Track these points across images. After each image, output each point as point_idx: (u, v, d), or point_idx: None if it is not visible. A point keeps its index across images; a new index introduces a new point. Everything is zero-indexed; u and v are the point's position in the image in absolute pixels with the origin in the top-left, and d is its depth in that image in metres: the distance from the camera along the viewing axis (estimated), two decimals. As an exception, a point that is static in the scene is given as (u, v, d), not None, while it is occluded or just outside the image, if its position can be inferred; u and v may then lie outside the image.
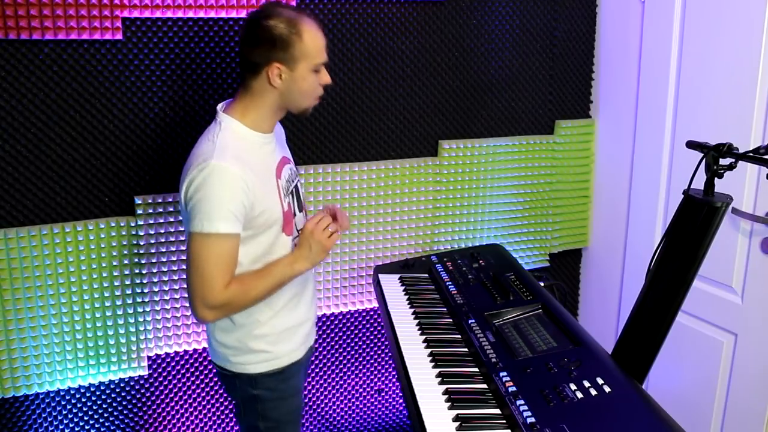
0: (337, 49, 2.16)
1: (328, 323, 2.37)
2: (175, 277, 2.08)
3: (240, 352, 1.61)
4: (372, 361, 2.48)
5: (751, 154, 1.24)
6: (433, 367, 1.47)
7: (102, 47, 1.87)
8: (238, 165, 1.45)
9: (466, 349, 1.55)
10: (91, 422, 2.09)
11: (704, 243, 1.30)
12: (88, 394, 2.07)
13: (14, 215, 1.87)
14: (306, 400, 2.41)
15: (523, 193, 2.56)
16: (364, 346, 2.45)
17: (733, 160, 1.26)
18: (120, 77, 1.91)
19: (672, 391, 2.24)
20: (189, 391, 2.21)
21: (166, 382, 2.17)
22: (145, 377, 2.13)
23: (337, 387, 2.45)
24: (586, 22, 2.55)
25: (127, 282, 2.02)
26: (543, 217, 2.62)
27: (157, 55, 1.94)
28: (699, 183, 1.32)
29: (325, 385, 2.43)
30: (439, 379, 1.41)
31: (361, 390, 2.49)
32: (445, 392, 1.36)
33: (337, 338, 2.40)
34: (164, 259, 2.04)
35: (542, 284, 1.92)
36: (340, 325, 2.39)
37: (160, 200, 2.00)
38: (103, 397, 2.09)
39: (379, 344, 2.48)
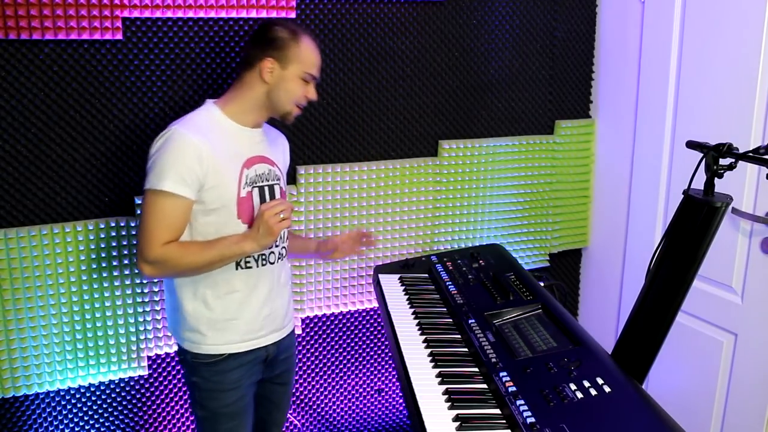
0: (337, 49, 2.16)
1: (328, 323, 2.37)
2: (175, 277, 2.08)
3: (186, 327, 1.68)
4: (372, 361, 2.48)
5: (751, 154, 1.24)
6: (433, 367, 1.47)
7: (102, 47, 1.87)
8: (199, 136, 1.56)
9: (466, 349, 1.55)
10: (91, 422, 2.09)
11: (704, 243, 1.30)
12: (88, 394, 2.07)
13: (14, 215, 1.87)
14: (306, 400, 2.41)
15: (523, 193, 2.56)
16: (364, 346, 2.45)
17: (733, 160, 1.26)
18: (120, 77, 1.91)
19: (672, 391, 2.24)
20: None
21: (166, 382, 2.17)
22: (145, 377, 2.13)
23: (337, 387, 2.45)
24: (586, 22, 2.55)
25: (127, 282, 2.02)
26: (543, 217, 2.62)
27: (157, 55, 1.94)
28: (699, 183, 1.32)
29: (325, 385, 2.43)
30: (439, 379, 1.41)
31: (361, 390, 2.49)
32: (445, 392, 1.36)
33: (337, 338, 2.40)
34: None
35: (542, 284, 1.92)
36: (340, 325, 2.39)
37: (160, 200, 2.00)
38: (103, 397, 2.09)
39: (379, 344, 2.48)
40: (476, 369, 1.46)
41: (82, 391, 2.05)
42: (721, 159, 1.28)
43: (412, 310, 1.77)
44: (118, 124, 1.94)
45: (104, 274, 1.98)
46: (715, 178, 1.29)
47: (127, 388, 2.12)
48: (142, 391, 2.14)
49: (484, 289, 1.84)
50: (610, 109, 2.58)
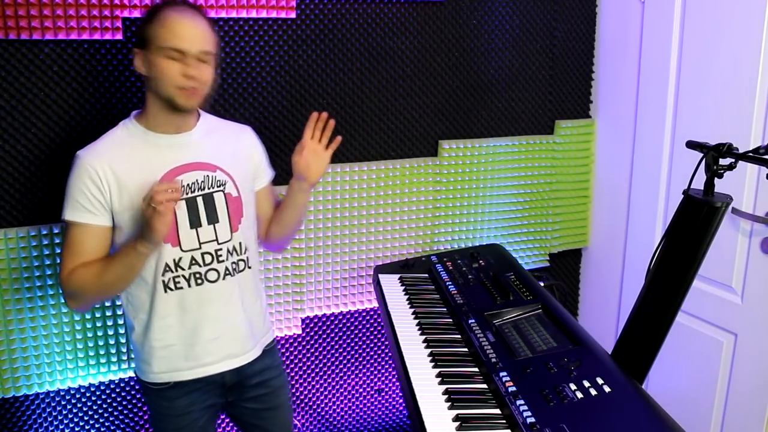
0: (337, 49, 2.16)
1: (328, 323, 2.37)
2: (175, 277, 2.07)
3: (136, 356, 1.65)
4: (372, 361, 2.48)
5: (751, 154, 1.24)
6: (433, 367, 1.47)
7: (102, 47, 1.87)
8: (99, 158, 1.49)
9: (466, 349, 1.55)
10: (91, 422, 2.09)
11: (704, 243, 1.30)
12: (88, 394, 2.07)
13: (14, 215, 1.87)
14: (306, 400, 2.41)
15: (523, 193, 2.56)
16: (364, 346, 2.45)
17: (733, 160, 1.26)
18: (120, 77, 1.91)
19: (672, 391, 2.24)
20: (189, 391, 2.21)
21: (166, 382, 2.17)
22: (145, 377, 2.13)
23: (337, 387, 2.45)
24: (586, 22, 2.55)
25: (127, 282, 2.01)
26: (543, 217, 2.62)
27: (157, 55, 1.93)
28: (699, 183, 1.32)
29: (325, 385, 2.43)
30: (439, 379, 1.41)
31: (361, 390, 2.49)
32: (445, 392, 1.36)
33: (337, 338, 2.40)
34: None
35: (542, 284, 1.92)
36: (340, 325, 2.39)
37: (160, 200, 2.00)
38: (103, 397, 2.09)
39: (379, 344, 2.48)
40: (476, 369, 1.46)
41: (82, 391, 2.05)
42: (721, 159, 1.28)
43: (412, 310, 1.77)
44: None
45: (104, 274, 1.98)
46: (715, 178, 1.29)
47: (127, 388, 2.12)
48: (142, 391, 2.14)
49: (484, 289, 1.84)
50: (610, 109, 2.58)
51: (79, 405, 2.06)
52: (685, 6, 2.15)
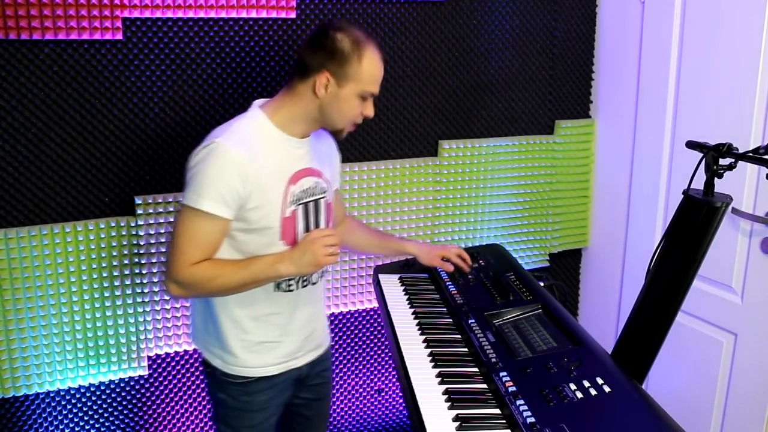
0: (337, 49, 2.16)
1: (329, 323, 2.37)
2: (175, 277, 2.07)
3: (218, 346, 1.60)
4: (372, 361, 2.48)
5: (751, 154, 1.24)
6: (433, 367, 1.47)
7: (102, 47, 1.87)
8: (244, 151, 1.43)
9: (466, 349, 1.55)
10: (91, 422, 2.09)
11: (704, 243, 1.30)
12: (88, 394, 2.07)
13: (14, 215, 1.87)
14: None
15: (523, 193, 2.56)
16: (364, 346, 2.45)
17: (733, 160, 1.26)
18: (120, 77, 1.91)
19: (672, 391, 2.24)
20: (189, 391, 2.21)
21: (166, 382, 2.17)
22: (145, 377, 2.13)
23: (337, 387, 2.45)
24: (586, 22, 2.55)
25: (127, 282, 2.02)
26: (543, 217, 2.62)
27: (157, 55, 1.94)
28: (699, 183, 1.32)
29: (325, 385, 2.43)
30: (439, 379, 1.41)
31: (361, 390, 2.49)
32: (445, 392, 1.36)
33: (337, 338, 2.40)
34: (164, 259, 2.04)
35: (542, 284, 1.92)
36: (340, 325, 2.39)
37: (160, 200, 2.00)
38: (103, 397, 2.09)
39: (379, 344, 2.48)
40: (476, 369, 1.46)
41: (82, 391, 2.05)
42: (721, 159, 1.28)
43: (412, 310, 1.77)
44: (118, 124, 1.94)
45: (104, 274, 1.98)
46: (715, 178, 1.29)
47: (127, 388, 2.12)
48: (142, 391, 2.14)
49: (484, 289, 1.84)
50: (610, 109, 2.58)
51: (79, 405, 2.06)
52: (685, 6, 2.15)
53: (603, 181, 2.65)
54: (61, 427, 2.05)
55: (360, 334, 2.43)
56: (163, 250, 2.03)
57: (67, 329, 1.97)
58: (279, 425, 1.79)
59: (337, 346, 2.41)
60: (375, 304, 2.40)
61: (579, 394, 1.28)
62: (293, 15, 2.06)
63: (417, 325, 1.68)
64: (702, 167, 1.31)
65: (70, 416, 2.06)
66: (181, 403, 2.21)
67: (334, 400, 2.46)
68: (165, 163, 2.01)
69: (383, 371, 2.51)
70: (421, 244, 1.98)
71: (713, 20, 2.04)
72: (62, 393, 2.03)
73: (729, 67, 1.99)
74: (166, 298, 2.08)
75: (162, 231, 2.02)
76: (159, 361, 2.14)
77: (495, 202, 2.52)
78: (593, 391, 1.29)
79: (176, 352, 2.15)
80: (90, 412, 2.08)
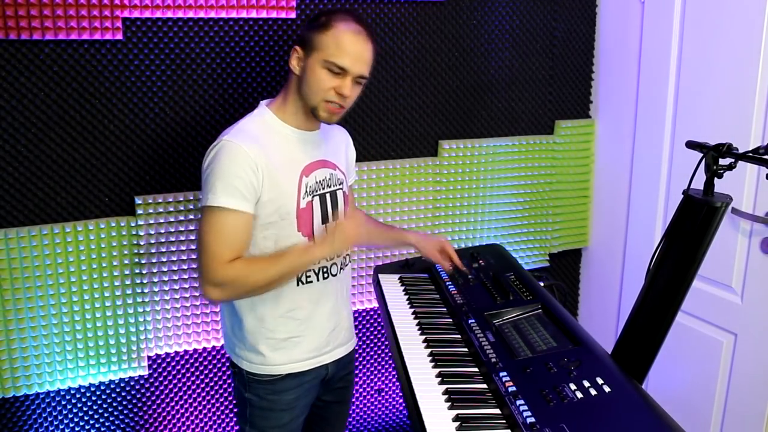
0: (337, 49, 2.16)
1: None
2: (176, 277, 2.08)
3: (244, 346, 1.60)
4: (372, 361, 2.48)
5: (750, 154, 1.24)
6: (433, 367, 1.47)
7: (102, 47, 1.87)
8: (252, 145, 1.46)
9: (466, 349, 1.55)
10: (91, 422, 2.09)
11: (704, 243, 1.30)
12: (88, 394, 2.07)
13: (14, 215, 1.87)
14: (306, 400, 2.41)
15: (523, 193, 2.56)
16: (364, 346, 2.45)
17: (733, 160, 1.26)
18: (120, 77, 1.91)
19: (672, 391, 2.24)
20: (189, 391, 2.21)
21: (166, 382, 2.17)
22: (145, 377, 2.13)
23: (337, 387, 2.45)
24: (586, 22, 2.55)
25: (127, 282, 2.02)
26: (543, 217, 2.62)
27: (158, 55, 1.94)
28: (699, 183, 1.32)
29: (325, 385, 2.43)
30: (439, 379, 1.41)
31: (361, 390, 2.49)
32: (445, 392, 1.36)
33: (337, 338, 2.40)
34: (164, 259, 2.04)
35: (542, 284, 1.92)
36: (340, 325, 2.39)
37: (160, 200, 2.00)
38: (103, 397, 2.09)
39: (379, 344, 2.48)
40: (476, 369, 1.46)
41: (82, 391, 2.06)
42: (720, 159, 1.28)
43: (412, 310, 1.77)
44: (118, 124, 1.94)
45: (104, 274, 1.98)
46: (715, 178, 1.29)
47: (127, 388, 2.12)
48: (142, 391, 2.14)
49: (484, 289, 1.84)
50: (610, 109, 2.58)
51: (79, 405, 2.06)
52: (685, 6, 2.15)
53: (603, 181, 2.65)
54: (61, 427, 2.05)
55: (360, 334, 2.43)
56: (163, 250, 2.04)
57: (67, 329, 1.97)
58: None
59: (337, 346, 2.41)
60: (375, 304, 2.40)
61: (579, 394, 1.28)
62: (293, 15, 2.06)
63: (417, 325, 1.68)
64: (702, 167, 1.31)
65: (70, 416, 2.06)
66: (181, 403, 2.21)
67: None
68: (165, 163, 2.01)
69: (383, 371, 2.51)
70: (420, 235, 1.97)
71: (713, 20, 2.04)
72: (62, 393, 2.03)
73: (729, 67, 1.99)
74: (166, 298, 2.08)
75: (162, 231, 2.02)
76: (159, 361, 2.14)
77: (495, 202, 2.52)
78: (593, 391, 1.29)
79: (176, 352, 2.15)
80: (90, 412, 2.08)
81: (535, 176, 2.56)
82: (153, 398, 2.16)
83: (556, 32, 2.49)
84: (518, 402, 1.28)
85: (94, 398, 2.08)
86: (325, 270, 1.62)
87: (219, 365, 2.23)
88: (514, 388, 1.33)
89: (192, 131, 2.02)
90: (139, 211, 1.99)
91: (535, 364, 1.42)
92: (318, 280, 1.61)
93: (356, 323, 2.41)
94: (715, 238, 1.30)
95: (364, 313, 2.42)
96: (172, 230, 2.03)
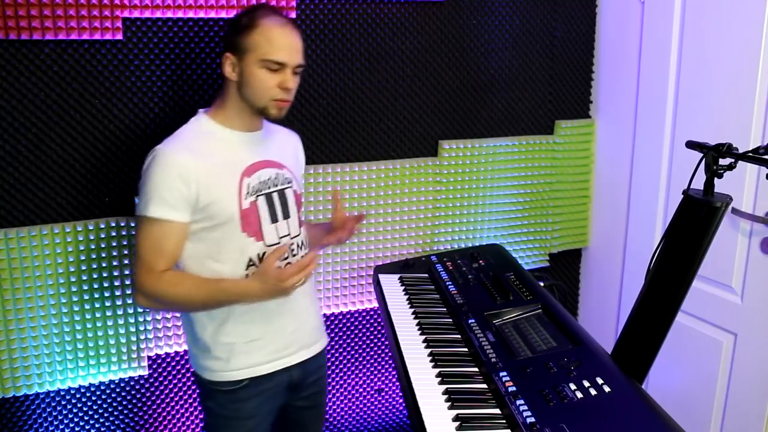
0: (338, 49, 2.16)
1: (328, 323, 2.37)
2: (175, 277, 2.07)
3: (204, 355, 1.60)
4: (372, 361, 2.48)
5: (750, 154, 1.24)
6: (433, 367, 1.47)
7: (102, 47, 1.87)
8: (184, 153, 1.48)
9: (466, 349, 1.55)
10: (91, 422, 2.09)
11: (704, 243, 1.30)
12: (88, 394, 2.07)
13: (14, 215, 1.87)
14: (306, 400, 2.41)
15: (523, 193, 2.56)
16: (364, 346, 2.45)
17: (733, 160, 1.26)
18: (120, 77, 1.91)
19: (672, 391, 2.24)
20: (189, 391, 2.21)
21: (166, 382, 2.17)
22: (145, 377, 2.13)
23: (337, 387, 2.45)
24: (586, 22, 2.55)
25: (127, 282, 2.01)
26: (543, 217, 2.62)
27: (157, 55, 1.94)
28: (699, 183, 1.32)
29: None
30: (439, 379, 1.41)
31: (361, 390, 2.49)
32: (445, 392, 1.36)
33: (337, 338, 2.40)
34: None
35: (542, 284, 1.92)
36: (340, 325, 2.39)
37: (160, 200, 2.00)
38: (103, 397, 2.09)
39: (379, 344, 2.48)
40: (476, 369, 1.46)
41: (82, 391, 2.05)
42: (720, 159, 1.28)
43: (412, 310, 1.77)
44: (119, 124, 1.94)
45: (104, 274, 1.98)
46: (715, 178, 1.29)
47: (127, 388, 2.12)
48: (142, 391, 2.14)
49: (484, 289, 1.84)
50: (610, 109, 2.58)
51: (79, 405, 2.06)
52: (685, 6, 2.15)
53: (603, 181, 2.65)
54: (61, 427, 2.05)
55: (360, 334, 2.43)
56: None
57: (67, 329, 1.97)
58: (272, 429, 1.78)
59: (337, 346, 2.41)
60: (375, 304, 2.40)
61: (579, 394, 1.28)
62: (293, 15, 2.06)
63: (417, 325, 1.68)
64: (702, 167, 1.31)
65: (70, 416, 2.06)
66: (181, 403, 2.21)
67: (334, 399, 2.46)
68: (165, 163, 2.01)
69: (383, 371, 2.51)
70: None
71: (713, 20, 2.04)
72: (62, 393, 2.03)
73: (729, 67, 1.99)
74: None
75: (162, 231, 2.02)
76: (159, 361, 2.14)
77: (495, 202, 2.52)
78: (593, 391, 1.29)
79: (176, 352, 2.15)
80: (90, 412, 2.08)
81: (535, 176, 2.56)
82: (153, 398, 2.16)
83: (556, 32, 2.49)
84: (518, 402, 1.28)
85: (94, 398, 2.08)
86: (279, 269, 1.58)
87: (219, 365, 2.23)
88: (514, 388, 1.33)
89: (192, 131, 2.02)
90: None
91: (535, 364, 1.42)
92: None
93: (356, 323, 2.41)
94: (715, 238, 1.30)
95: (364, 313, 2.42)
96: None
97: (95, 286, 1.98)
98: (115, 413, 2.12)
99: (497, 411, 1.30)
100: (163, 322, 2.10)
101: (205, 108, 1.63)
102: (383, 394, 2.53)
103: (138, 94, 1.94)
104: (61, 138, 1.88)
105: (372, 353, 2.47)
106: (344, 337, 2.41)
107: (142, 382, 2.13)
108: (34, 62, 1.81)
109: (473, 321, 1.65)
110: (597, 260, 2.73)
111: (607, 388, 1.29)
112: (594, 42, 2.59)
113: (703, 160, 1.30)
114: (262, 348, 1.60)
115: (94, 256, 1.95)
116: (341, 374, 2.44)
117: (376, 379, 2.51)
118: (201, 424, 2.26)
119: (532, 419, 1.22)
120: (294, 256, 1.64)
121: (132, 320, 2.05)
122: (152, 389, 2.15)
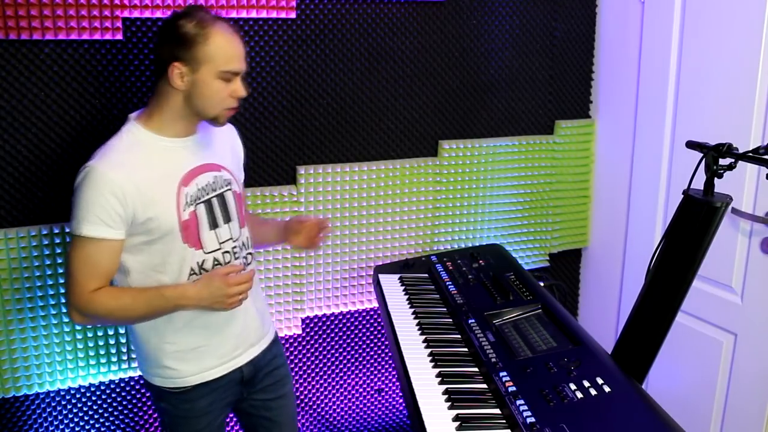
0: (337, 49, 2.16)
1: (328, 323, 2.37)
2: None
3: (153, 364, 1.60)
4: (372, 361, 2.48)
5: (750, 154, 1.24)
6: (433, 367, 1.47)
7: (102, 47, 1.87)
8: (118, 170, 1.42)
9: (466, 349, 1.55)
10: (91, 422, 2.09)
11: (704, 243, 1.30)
12: (88, 394, 2.07)
13: (14, 215, 1.87)
14: (306, 400, 2.41)
15: (523, 193, 2.56)
16: (364, 346, 2.45)
17: (733, 160, 1.26)
18: (120, 77, 1.91)
19: (672, 391, 2.24)
20: (189, 391, 2.21)
21: (166, 382, 2.17)
22: (145, 377, 2.13)
23: (337, 387, 2.45)
24: (586, 22, 2.55)
25: (127, 282, 2.01)
26: (543, 217, 2.62)
27: (157, 55, 1.94)
28: (699, 183, 1.32)
29: (325, 385, 2.43)
30: (439, 379, 1.41)
31: (361, 390, 2.49)
32: (445, 392, 1.36)
33: (337, 338, 2.40)
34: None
35: (542, 284, 1.92)
36: (340, 325, 2.39)
37: (160, 200, 2.00)
38: (103, 397, 2.09)
39: (379, 344, 2.48)
40: (476, 369, 1.46)
41: (82, 391, 2.05)
42: (720, 159, 1.28)
43: (412, 310, 1.77)
44: (119, 125, 1.93)
45: (104, 274, 1.98)
46: (715, 178, 1.29)
47: (127, 388, 2.12)
48: (142, 391, 2.14)
49: (484, 289, 1.84)
50: (610, 109, 2.58)
51: (79, 405, 2.06)
52: (685, 6, 2.15)
53: (603, 181, 2.65)
54: (61, 427, 2.05)
55: (360, 334, 2.43)
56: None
57: (67, 329, 1.96)
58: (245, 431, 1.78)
59: (337, 346, 2.41)
60: (375, 304, 2.40)
61: (579, 394, 1.28)
62: (293, 15, 2.06)
63: (417, 325, 1.68)
64: (702, 167, 1.31)
65: (70, 416, 2.06)
66: (181, 403, 2.21)
67: (334, 399, 2.46)
68: (165, 163, 2.01)
69: (383, 371, 2.51)
70: (294, 219, 1.86)
71: (713, 20, 2.04)
72: (62, 393, 2.03)
73: (729, 67, 1.99)
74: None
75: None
76: (159, 361, 2.14)
77: (495, 202, 2.52)
78: (593, 391, 1.29)
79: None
80: (90, 412, 2.08)
81: (535, 176, 2.56)
82: (153, 398, 2.16)
83: (556, 32, 2.49)
84: (518, 402, 1.28)
85: (94, 398, 2.08)
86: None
87: (219, 365, 2.23)
88: (514, 388, 1.33)
89: (192, 131, 2.02)
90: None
91: (535, 364, 1.42)
92: None
93: (356, 323, 2.41)
94: (715, 238, 1.30)
95: (364, 313, 2.42)
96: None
97: (95, 286, 1.97)
98: (115, 413, 2.12)
99: (497, 411, 1.30)
100: (163, 322, 2.09)
101: (137, 112, 1.56)
102: (383, 394, 2.53)
103: (138, 94, 1.94)
104: (61, 138, 1.88)
105: (372, 353, 2.47)
106: (344, 337, 2.41)
107: (142, 382, 2.13)
108: (34, 62, 1.81)
109: (473, 321, 1.65)
110: (597, 260, 2.73)
111: (607, 388, 1.29)
112: (594, 42, 2.59)
113: (703, 160, 1.31)
114: (210, 353, 1.60)
115: (94, 256, 1.95)
116: (341, 374, 2.44)
117: (376, 379, 2.51)
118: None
119: (532, 419, 1.22)
120: (237, 258, 1.61)
121: (132, 320, 2.05)
122: (152, 389, 2.15)
